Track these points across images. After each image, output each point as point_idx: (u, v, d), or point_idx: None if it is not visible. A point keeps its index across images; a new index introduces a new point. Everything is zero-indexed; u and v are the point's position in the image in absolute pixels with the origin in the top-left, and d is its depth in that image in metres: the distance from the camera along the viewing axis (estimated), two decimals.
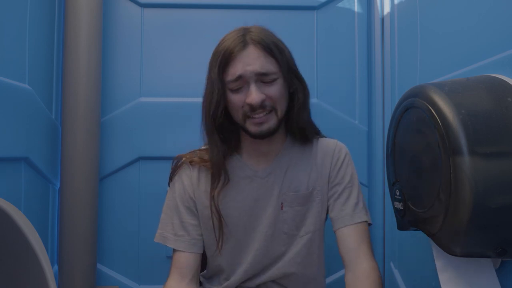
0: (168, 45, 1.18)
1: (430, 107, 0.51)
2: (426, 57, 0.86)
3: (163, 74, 1.18)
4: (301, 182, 0.77)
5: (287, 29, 1.21)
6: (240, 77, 0.67)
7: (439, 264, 0.58)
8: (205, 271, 0.86)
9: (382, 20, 1.14)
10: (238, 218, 0.76)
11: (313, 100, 1.19)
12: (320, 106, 1.18)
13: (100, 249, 1.13)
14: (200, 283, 0.86)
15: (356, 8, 1.21)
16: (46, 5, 1.04)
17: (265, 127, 0.69)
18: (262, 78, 0.68)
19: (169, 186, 0.79)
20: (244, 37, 0.69)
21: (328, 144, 0.79)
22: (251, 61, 0.67)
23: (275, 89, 0.69)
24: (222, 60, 0.68)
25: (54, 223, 1.09)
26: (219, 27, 1.19)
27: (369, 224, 0.77)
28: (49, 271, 0.58)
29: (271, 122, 0.70)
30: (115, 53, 1.16)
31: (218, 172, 0.73)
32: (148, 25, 1.18)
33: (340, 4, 1.21)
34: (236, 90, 0.69)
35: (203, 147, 0.79)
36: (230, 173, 0.76)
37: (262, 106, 0.68)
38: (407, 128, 0.59)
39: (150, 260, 1.14)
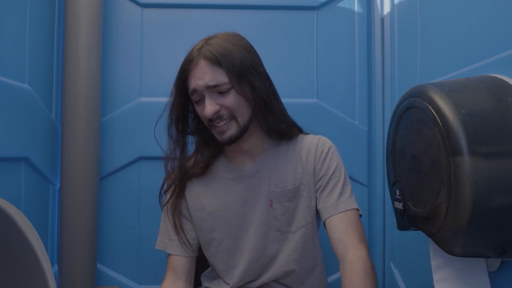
0: (168, 45, 1.17)
1: (430, 107, 0.51)
2: (426, 57, 0.86)
3: (163, 74, 1.17)
4: (287, 178, 0.78)
5: (287, 29, 1.21)
6: (195, 91, 0.72)
7: (434, 263, 0.58)
8: (207, 270, 0.86)
9: (382, 20, 1.14)
10: (230, 219, 0.77)
11: (313, 100, 1.19)
12: (320, 106, 1.18)
13: (100, 249, 1.13)
14: (201, 283, 0.86)
15: (356, 8, 1.21)
16: (46, 5, 1.04)
17: (227, 135, 0.72)
18: (215, 90, 0.70)
19: (159, 199, 0.82)
20: (199, 51, 0.72)
21: (312, 140, 0.80)
22: (201, 75, 0.70)
23: (230, 99, 0.71)
24: (182, 76, 0.73)
25: (54, 223, 1.09)
26: (219, 27, 1.19)
27: (360, 215, 0.77)
28: (49, 271, 0.58)
29: (232, 130, 0.72)
30: (115, 53, 1.16)
31: (178, 181, 0.78)
32: (148, 25, 1.17)
33: (340, 4, 1.21)
34: (197, 102, 0.73)
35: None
36: (218, 175, 0.79)
37: (219, 116, 0.71)
38: (407, 128, 0.59)
39: (150, 260, 1.14)
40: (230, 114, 0.71)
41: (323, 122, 1.16)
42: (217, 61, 0.70)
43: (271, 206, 0.77)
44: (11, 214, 0.58)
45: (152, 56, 1.17)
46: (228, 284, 0.78)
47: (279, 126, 0.76)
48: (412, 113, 0.56)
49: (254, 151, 0.78)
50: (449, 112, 0.48)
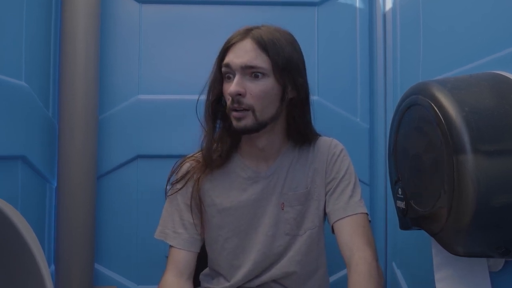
0: (167, 41, 1.17)
1: (432, 105, 0.51)
2: (429, 53, 0.85)
3: (162, 71, 1.17)
4: (300, 181, 0.77)
5: (287, 26, 1.18)
6: (227, 66, 0.69)
7: (436, 262, 0.58)
8: (206, 269, 0.86)
9: (384, 16, 1.13)
10: (240, 218, 0.76)
11: (313, 97, 1.16)
12: (321, 103, 1.17)
13: (98, 248, 1.12)
14: (199, 283, 0.86)
15: (358, 3, 1.20)
16: (43, 1, 1.03)
17: (242, 123, 0.69)
18: (249, 72, 0.69)
19: (167, 185, 0.79)
20: (247, 31, 0.71)
21: (324, 142, 0.80)
22: (242, 53, 0.69)
23: (260, 85, 0.69)
24: (223, 48, 0.72)
25: (51, 222, 1.08)
26: (219, 23, 1.19)
27: (369, 221, 0.76)
28: (46, 271, 0.57)
29: (248, 120, 0.69)
30: (113, 50, 1.15)
31: (207, 159, 0.74)
32: (146, 22, 1.17)
33: (341, 0, 1.20)
34: (226, 79, 0.71)
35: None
36: (232, 173, 0.77)
37: (239, 101, 0.68)
38: (409, 126, 0.58)
39: (148, 260, 1.13)
40: (249, 105, 0.68)
41: (324, 119, 1.14)
42: (264, 46, 0.68)
43: (283, 209, 0.76)
44: (8, 213, 0.58)
45: (150, 53, 1.16)
46: (229, 282, 0.77)
47: (304, 131, 0.76)
48: (414, 110, 0.56)
49: (272, 153, 0.77)
50: (452, 110, 0.48)
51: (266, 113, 0.70)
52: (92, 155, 1.05)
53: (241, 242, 0.77)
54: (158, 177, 1.13)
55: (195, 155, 0.79)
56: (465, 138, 0.46)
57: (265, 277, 0.77)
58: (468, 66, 0.67)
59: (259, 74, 0.68)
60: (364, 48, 1.18)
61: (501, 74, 0.53)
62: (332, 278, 1.14)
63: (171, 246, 0.77)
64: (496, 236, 0.48)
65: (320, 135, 0.82)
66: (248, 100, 0.68)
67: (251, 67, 0.68)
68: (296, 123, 0.75)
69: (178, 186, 0.77)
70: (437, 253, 0.58)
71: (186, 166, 0.78)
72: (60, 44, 1.05)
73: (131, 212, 1.14)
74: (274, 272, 0.77)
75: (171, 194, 0.77)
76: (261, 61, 0.68)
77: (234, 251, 0.77)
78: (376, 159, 1.13)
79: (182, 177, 0.77)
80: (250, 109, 0.69)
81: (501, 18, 0.59)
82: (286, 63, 0.70)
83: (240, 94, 0.68)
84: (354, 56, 1.19)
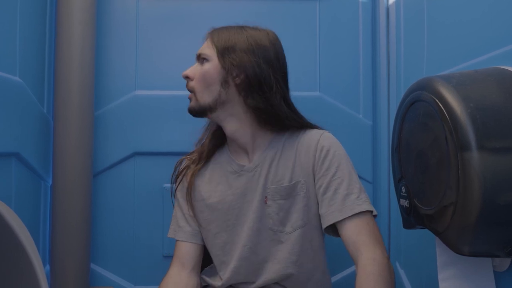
0: (165, 36, 1.15)
1: (437, 101, 0.50)
2: (433, 48, 0.84)
3: (160, 66, 1.15)
4: (284, 175, 0.75)
5: (288, 20, 1.19)
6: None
7: (440, 261, 0.58)
8: (210, 265, 0.86)
9: (387, 9, 1.11)
10: (227, 213, 0.77)
11: (315, 93, 1.17)
12: (323, 99, 1.16)
13: (94, 248, 1.11)
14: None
15: None
16: None
17: (189, 105, 0.78)
18: (199, 58, 0.78)
19: (171, 186, 0.84)
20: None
21: (313, 136, 0.76)
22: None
23: (198, 69, 0.76)
24: None
25: (46, 221, 1.08)
26: (218, 17, 1.17)
27: (375, 215, 0.72)
28: (41, 271, 0.56)
29: (192, 102, 0.77)
30: (109, 45, 1.14)
31: (202, 153, 0.81)
32: (144, 15, 1.15)
33: None
34: None
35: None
36: (219, 168, 0.79)
37: (188, 84, 0.77)
38: (413, 122, 0.58)
39: (145, 260, 1.12)
40: (191, 87, 0.76)
41: (326, 116, 1.14)
42: (211, 36, 0.77)
43: (266, 203, 0.75)
44: (2, 212, 0.57)
45: (148, 47, 1.15)
46: (222, 280, 0.78)
47: (280, 119, 0.73)
48: (419, 106, 0.55)
49: (252, 144, 0.76)
50: (457, 106, 0.47)
51: (203, 96, 0.75)
52: (88, 152, 1.04)
53: (229, 238, 0.77)
54: (156, 174, 1.13)
55: (192, 154, 0.83)
56: (471, 135, 0.45)
57: (261, 281, 0.77)
58: (473, 61, 0.66)
59: (203, 59, 0.76)
60: (367, 42, 1.17)
61: (508, 69, 0.52)
62: (334, 278, 1.13)
63: (176, 240, 0.80)
64: (503, 235, 0.47)
65: (315, 127, 0.79)
66: (190, 82, 0.77)
67: (199, 54, 0.78)
68: (261, 110, 0.72)
69: (176, 184, 0.82)
70: (442, 253, 0.58)
71: (183, 164, 0.83)
72: (55, 38, 1.04)
73: (128, 210, 1.13)
74: (270, 275, 0.76)
75: (173, 194, 0.83)
76: (208, 50, 0.76)
77: (223, 247, 0.77)
78: (379, 157, 1.12)
79: (180, 174, 0.82)
80: (192, 92, 0.77)
81: (508, 11, 0.58)
82: (226, 46, 0.74)
83: (187, 77, 0.77)
84: (356, 51, 1.17)
